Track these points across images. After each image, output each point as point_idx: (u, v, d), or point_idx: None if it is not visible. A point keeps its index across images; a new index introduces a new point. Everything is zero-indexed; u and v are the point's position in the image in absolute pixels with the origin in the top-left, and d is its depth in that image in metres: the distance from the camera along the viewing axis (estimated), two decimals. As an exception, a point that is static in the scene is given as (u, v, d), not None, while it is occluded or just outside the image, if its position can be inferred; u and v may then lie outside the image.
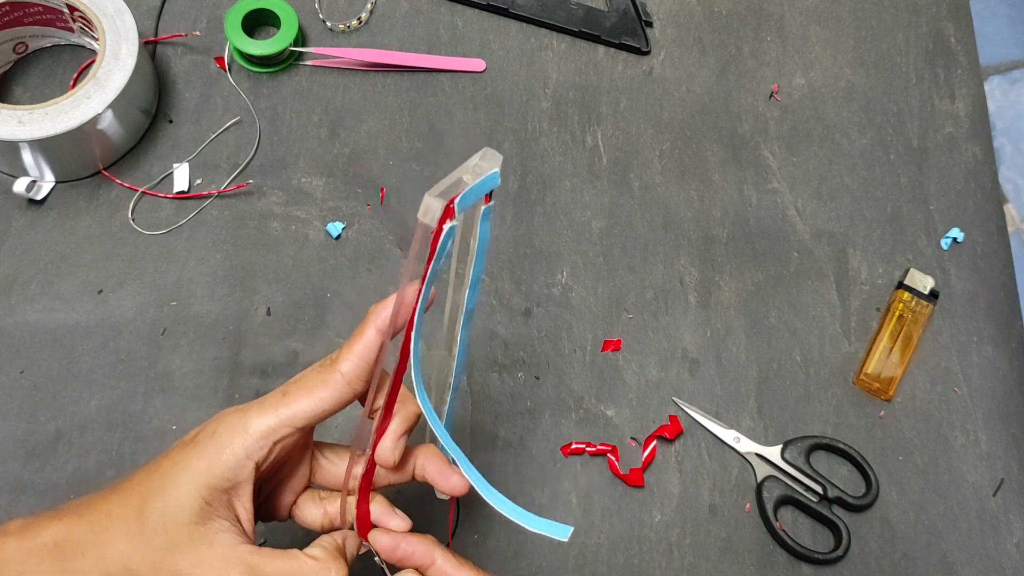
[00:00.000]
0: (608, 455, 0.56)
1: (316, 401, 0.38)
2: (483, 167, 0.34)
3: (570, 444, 0.56)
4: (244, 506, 0.38)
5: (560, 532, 0.38)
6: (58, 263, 0.56)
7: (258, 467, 0.37)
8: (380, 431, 0.39)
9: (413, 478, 0.42)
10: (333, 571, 0.38)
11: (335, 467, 0.42)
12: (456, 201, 0.33)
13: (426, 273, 0.35)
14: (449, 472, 0.41)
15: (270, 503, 0.42)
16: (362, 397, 0.40)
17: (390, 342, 0.38)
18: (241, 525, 0.38)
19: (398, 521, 0.41)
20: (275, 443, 0.37)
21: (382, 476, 0.42)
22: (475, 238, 0.38)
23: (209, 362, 0.55)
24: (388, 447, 0.39)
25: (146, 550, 0.36)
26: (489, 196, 0.36)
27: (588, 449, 0.56)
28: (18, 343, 0.54)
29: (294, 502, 0.42)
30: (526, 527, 0.38)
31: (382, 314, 0.38)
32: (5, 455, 0.52)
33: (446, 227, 0.34)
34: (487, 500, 0.39)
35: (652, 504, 0.55)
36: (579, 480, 0.55)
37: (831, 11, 0.71)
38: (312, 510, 0.42)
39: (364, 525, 0.41)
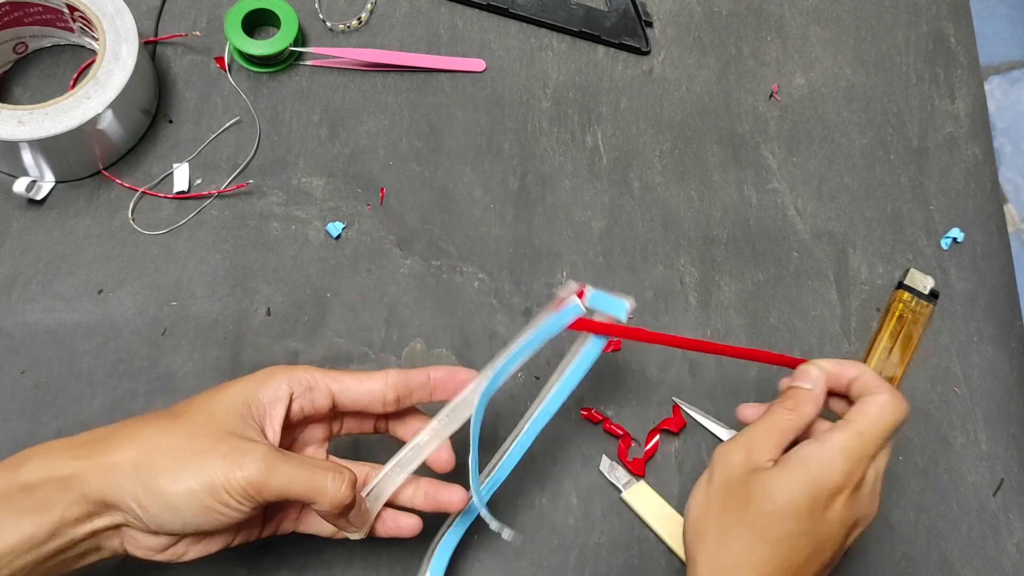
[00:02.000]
0: (620, 439, 0.56)
1: (354, 380, 0.45)
2: (616, 303, 0.45)
3: (591, 410, 0.56)
4: (273, 427, 0.43)
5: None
6: (58, 263, 0.56)
7: (291, 400, 0.43)
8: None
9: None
10: (346, 475, 0.41)
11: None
12: (588, 294, 0.45)
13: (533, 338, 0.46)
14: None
15: (278, 510, 0.46)
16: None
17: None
18: (267, 439, 0.42)
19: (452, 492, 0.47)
20: (310, 389, 0.44)
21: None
22: (576, 355, 0.47)
23: (210, 362, 0.55)
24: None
25: (177, 434, 0.40)
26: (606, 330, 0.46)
27: (606, 424, 0.56)
28: (18, 343, 0.54)
29: (301, 511, 0.46)
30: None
31: (440, 374, 0.47)
32: (6, 455, 0.52)
33: (570, 303, 0.44)
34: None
35: (652, 504, 0.55)
36: (579, 480, 0.55)
37: (831, 11, 0.71)
38: (319, 522, 0.46)
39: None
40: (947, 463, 0.58)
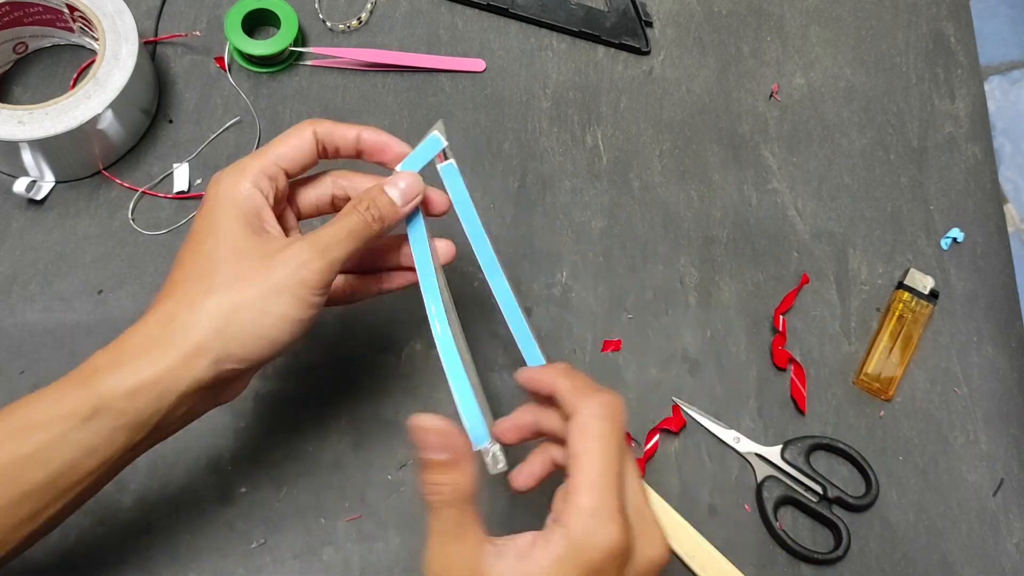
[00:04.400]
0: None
1: (288, 147, 0.44)
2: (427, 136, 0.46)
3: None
4: (273, 224, 0.43)
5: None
6: (58, 263, 0.56)
7: (265, 197, 0.42)
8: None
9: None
10: (386, 187, 0.45)
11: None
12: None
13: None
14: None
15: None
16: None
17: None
18: (284, 229, 0.44)
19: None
20: (270, 178, 0.43)
21: None
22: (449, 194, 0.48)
23: (209, 362, 0.55)
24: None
25: (244, 295, 0.39)
26: (443, 155, 0.48)
27: None
28: (18, 343, 0.54)
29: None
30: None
31: (371, 136, 0.48)
32: (5, 455, 0.52)
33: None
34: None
35: (652, 504, 0.55)
36: (579, 480, 0.55)
37: (831, 11, 0.71)
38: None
39: None
40: (947, 463, 0.58)
